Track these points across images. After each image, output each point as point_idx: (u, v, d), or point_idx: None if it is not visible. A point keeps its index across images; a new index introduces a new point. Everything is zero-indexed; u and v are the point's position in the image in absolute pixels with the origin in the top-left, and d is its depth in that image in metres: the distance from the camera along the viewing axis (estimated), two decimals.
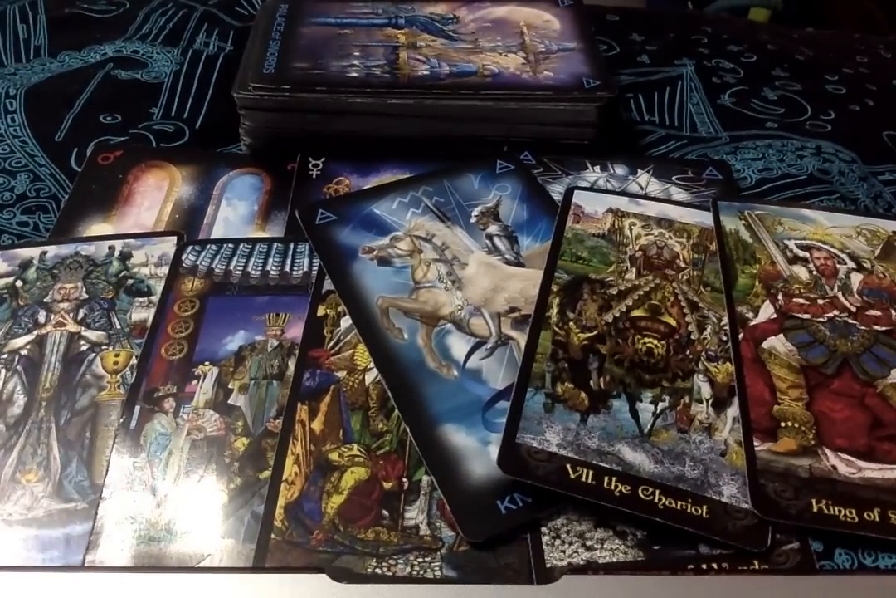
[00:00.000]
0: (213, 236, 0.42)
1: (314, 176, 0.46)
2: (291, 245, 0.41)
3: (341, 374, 0.36)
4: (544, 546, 0.30)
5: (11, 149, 0.48)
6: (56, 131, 0.49)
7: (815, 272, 0.39)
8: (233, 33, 0.57)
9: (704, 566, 0.29)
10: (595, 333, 0.36)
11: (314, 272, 0.40)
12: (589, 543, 0.30)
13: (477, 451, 0.32)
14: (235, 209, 0.44)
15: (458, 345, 0.36)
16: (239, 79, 0.45)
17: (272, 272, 0.40)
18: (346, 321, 0.38)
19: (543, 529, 0.30)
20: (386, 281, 0.39)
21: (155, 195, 0.45)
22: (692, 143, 0.50)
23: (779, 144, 0.49)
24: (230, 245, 0.41)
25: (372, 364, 0.36)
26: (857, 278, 0.39)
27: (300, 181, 0.46)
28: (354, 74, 0.46)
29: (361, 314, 0.37)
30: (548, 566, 0.29)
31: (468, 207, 0.43)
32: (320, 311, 0.38)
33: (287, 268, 0.40)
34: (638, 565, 0.29)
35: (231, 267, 0.40)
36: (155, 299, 0.39)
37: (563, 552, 0.30)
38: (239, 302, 0.39)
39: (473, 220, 0.42)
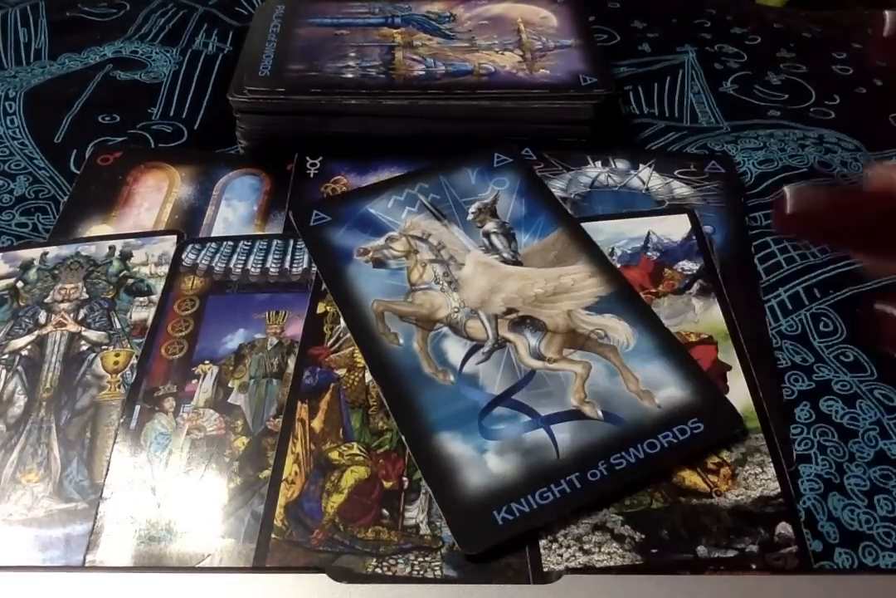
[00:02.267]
0: None
1: (311, 175, 0.46)
2: (291, 242, 0.41)
3: (341, 372, 0.35)
4: (542, 550, 0.30)
5: (11, 151, 0.48)
6: (55, 133, 0.49)
7: None
8: (232, 33, 0.58)
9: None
10: None
11: (314, 269, 0.40)
12: (586, 546, 0.30)
13: (473, 460, 0.32)
14: (235, 210, 0.44)
15: (455, 349, 0.35)
16: (234, 82, 0.45)
17: (272, 269, 0.40)
18: None
19: (541, 532, 0.30)
20: (381, 284, 0.38)
21: (154, 196, 0.45)
22: (692, 133, 0.50)
23: (780, 134, 0.49)
24: (230, 243, 0.41)
25: None
26: None
27: (298, 180, 0.45)
28: (350, 75, 0.46)
29: (357, 319, 0.36)
30: (545, 569, 0.29)
31: (465, 203, 0.42)
32: (320, 308, 0.38)
33: (287, 265, 0.40)
34: (635, 569, 0.29)
35: (231, 265, 0.40)
36: (155, 298, 0.39)
37: (561, 555, 0.30)
38: (239, 300, 0.39)
39: (470, 217, 0.41)
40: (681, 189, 0.44)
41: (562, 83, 0.45)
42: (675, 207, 0.43)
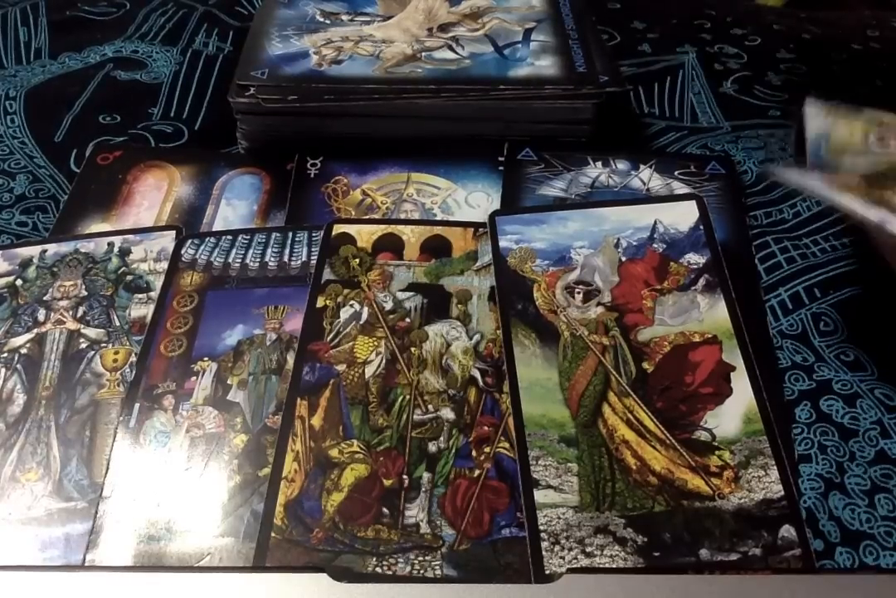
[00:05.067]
0: None
1: (312, 175, 0.46)
2: (290, 234, 0.41)
3: (341, 367, 0.35)
4: (543, 552, 0.29)
5: (11, 150, 0.48)
6: (55, 132, 0.49)
7: None
8: (232, 33, 0.58)
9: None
10: None
11: (313, 261, 0.39)
12: (588, 549, 0.30)
13: None
14: (235, 209, 0.44)
15: None
16: (235, 83, 0.45)
17: (270, 263, 0.40)
18: (345, 312, 0.37)
19: (543, 534, 0.30)
20: None
21: (154, 195, 0.45)
22: (692, 133, 0.50)
23: (781, 134, 0.49)
24: (228, 237, 0.41)
25: (372, 357, 0.35)
26: None
27: (298, 180, 0.45)
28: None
29: None
30: (547, 572, 0.29)
31: None
32: (319, 302, 0.38)
33: (285, 258, 0.40)
34: (638, 572, 0.29)
35: (230, 260, 0.40)
36: (154, 294, 0.39)
37: (563, 558, 0.29)
38: (237, 295, 0.39)
39: None
40: (681, 190, 0.44)
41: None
42: (683, 194, 0.43)
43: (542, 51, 0.47)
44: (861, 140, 0.37)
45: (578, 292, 0.38)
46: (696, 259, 0.38)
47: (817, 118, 0.38)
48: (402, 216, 0.44)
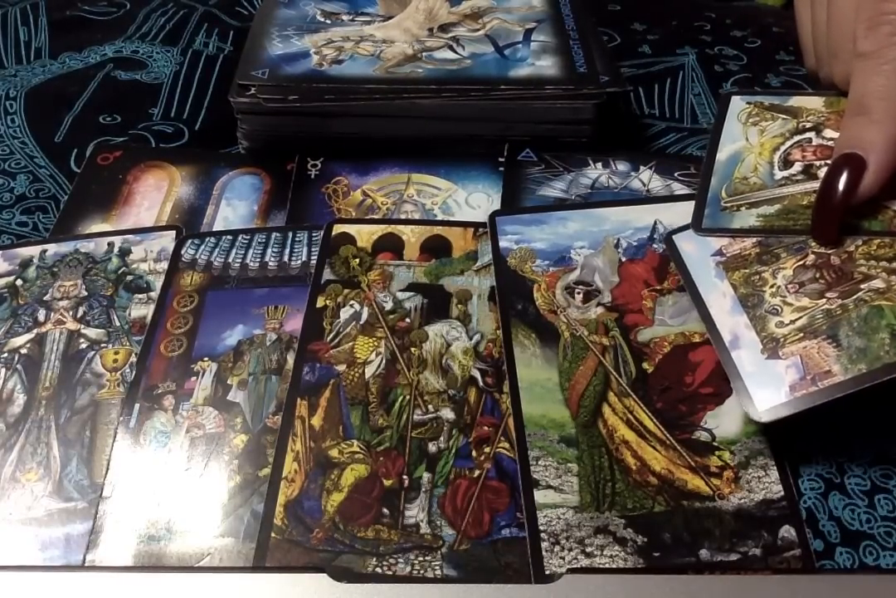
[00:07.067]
0: None
1: (313, 176, 0.46)
2: (290, 234, 0.41)
3: (341, 367, 0.35)
4: (543, 552, 0.29)
5: (11, 150, 0.48)
6: (56, 132, 0.49)
7: None
8: (232, 33, 0.58)
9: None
10: None
11: (313, 261, 0.40)
12: (589, 549, 0.30)
13: None
14: (235, 209, 0.44)
15: None
16: (235, 83, 0.45)
17: (270, 263, 0.40)
18: (345, 313, 0.37)
19: (543, 534, 0.30)
20: None
21: (154, 195, 0.45)
22: (693, 134, 0.50)
23: None
24: (228, 237, 0.41)
25: (372, 357, 0.35)
26: None
27: (299, 181, 0.46)
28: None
29: None
30: (547, 572, 0.29)
31: None
32: (319, 302, 0.38)
33: (286, 258, 0.40)
34: (637, 572, 0.29)
35: (230, 259, 0.40)
36: (154, 294, 0.39)
37: (563, 558, 0.29)
38: (237, 295, 0.39)
39: None
40: (682, 191, 0.44)
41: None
42: (683, 195, 0.43)
43: (542, 51, 0.48)
44: (766, 167, 0.37)
45: (578, 293, 0.38)
46: None
47: (734, 123, 0.38)
48: (403, 217, 0.44)
